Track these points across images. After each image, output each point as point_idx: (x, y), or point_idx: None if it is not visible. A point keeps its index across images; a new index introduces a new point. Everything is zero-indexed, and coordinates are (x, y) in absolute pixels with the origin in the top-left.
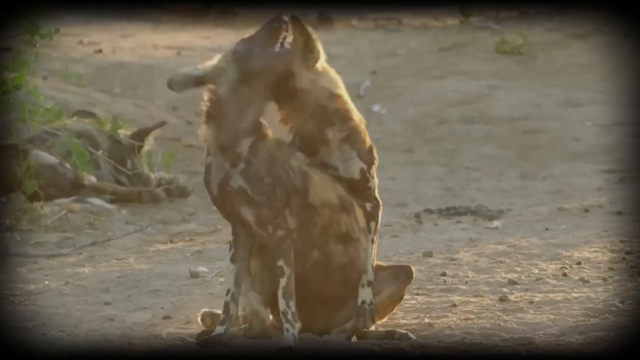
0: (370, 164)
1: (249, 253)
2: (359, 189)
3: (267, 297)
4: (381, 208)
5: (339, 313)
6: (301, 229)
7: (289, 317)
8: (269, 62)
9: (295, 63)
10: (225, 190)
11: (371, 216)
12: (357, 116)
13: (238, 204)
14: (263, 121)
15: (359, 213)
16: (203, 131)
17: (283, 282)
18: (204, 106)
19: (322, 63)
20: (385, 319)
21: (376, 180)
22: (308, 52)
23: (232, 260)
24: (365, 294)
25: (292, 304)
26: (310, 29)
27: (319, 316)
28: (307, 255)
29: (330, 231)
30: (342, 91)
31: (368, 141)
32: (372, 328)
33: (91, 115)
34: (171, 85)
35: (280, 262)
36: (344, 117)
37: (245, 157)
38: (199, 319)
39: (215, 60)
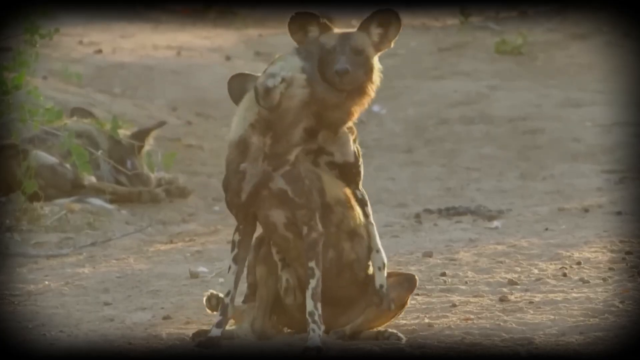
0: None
1: (248, 254)
2: (352, 173)
3: (271, 300)
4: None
5: (344, 316)
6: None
7: (316, 318)
8: (326, 96)
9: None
10: (259, 193)
11: (364, 202)
12: None
13: (270, 207)
14: None
15: (357, 207)
16: (249, 137)
17: (313, 283)
18: (259, 113)
19: None
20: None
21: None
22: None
23: (235, 260)
24: (381, 278)
25: (319, 306)
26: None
27: (327, 317)
28: (325, 255)
29: (342, 228)
30: None
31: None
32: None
33: (89, 113)
34: (260, 102)
35: (312, 264)
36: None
37: (291, 162)
38: (205, 299)
39: (283, 66)
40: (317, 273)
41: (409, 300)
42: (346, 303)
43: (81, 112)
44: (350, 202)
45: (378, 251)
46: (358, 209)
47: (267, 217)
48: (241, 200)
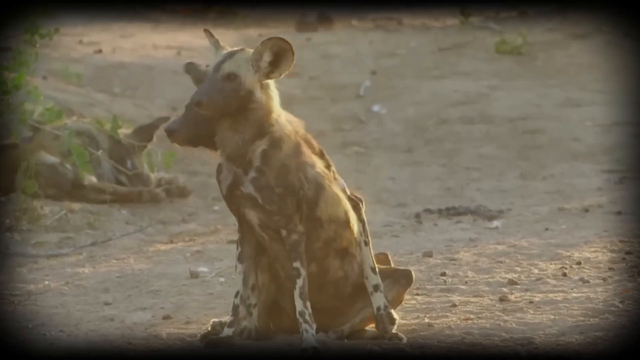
0: (326, 166)
1: (254, 250)
2: None
3: (269, 305)
4: (363, 206)
5: (336, 319)
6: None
7: (307, 317)
8: None
9: (253, 78)
10: (234, 193)
11: (362, 221)
12: (296, 123)
13: (244, 207)
14: (274, 128)
15: (355, 225)
16: (223, 130)
17: (299, 282)
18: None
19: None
20: None
21: (341, 180)
22: (275, 66)
23: (240, 259)
24: (377, 300)
25: (309, 304)
26: (290, 46)
27: (317, 322)
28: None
29: (332, 245)
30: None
31: (316, 145)
32: (394, 330)
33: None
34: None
35: (297, 264)
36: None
37: (256, 166)
38: (210, 328)
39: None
40: (303, 272)
41: (404, 297)
42: (332, 312)
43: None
44: (349, 222)
45: (367, 277)
46: (354, 230)
47: (244, 215)
48: (223, 194)
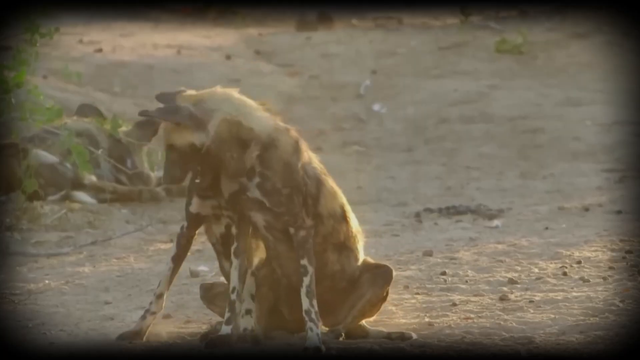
0: None
1: (247, 244)
2: None
3: (272, 301)
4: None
5: (329, 317)
6: None
7: (313, 316)
8: None
9: (181, 134)
10: (239, 198)
11: None
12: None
13: (250, 210)
14: (255, 131)
15: (353, 221)
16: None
17: (306, 280)
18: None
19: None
20: (374, 317)
21: None
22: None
23: (236, 254)
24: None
25: (315, 303)
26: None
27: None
28: None
29: (329, 240)
30: (241, 107)
31: None
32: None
33: (96, 109)
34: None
35: (304, 261)
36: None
37: (259, 171)
38: (211, 328)
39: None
40: (310, 270)
41: (387, 292)
42: (329, 307)
43: (88, 107)
44: (345, 217)
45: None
46: (351, 224)
47: (249, 217)
48: (225, 198)
